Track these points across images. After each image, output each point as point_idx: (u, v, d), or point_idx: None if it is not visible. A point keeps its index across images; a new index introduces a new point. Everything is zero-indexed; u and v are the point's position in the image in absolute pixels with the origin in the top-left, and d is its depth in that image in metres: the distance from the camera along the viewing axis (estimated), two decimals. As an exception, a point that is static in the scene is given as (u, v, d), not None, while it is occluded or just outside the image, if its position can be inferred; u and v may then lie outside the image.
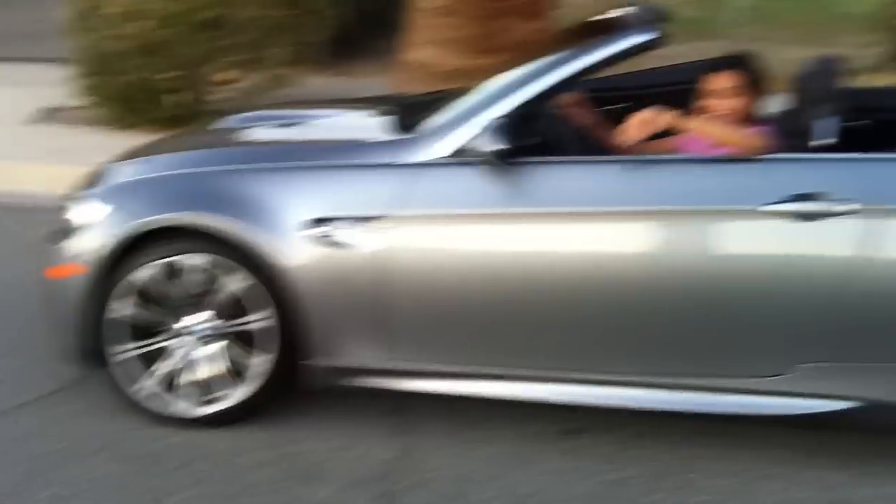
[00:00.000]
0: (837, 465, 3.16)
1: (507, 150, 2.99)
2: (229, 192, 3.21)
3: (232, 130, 3.93)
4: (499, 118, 3.07)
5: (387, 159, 3.18)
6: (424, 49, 6.70)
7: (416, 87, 5.88)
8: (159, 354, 3.29)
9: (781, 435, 3.29)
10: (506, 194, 3.08)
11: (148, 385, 3.31)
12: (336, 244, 3.10)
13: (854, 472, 3.12)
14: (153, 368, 3.29)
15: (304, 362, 3.23)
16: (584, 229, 3.09)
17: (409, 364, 3.25)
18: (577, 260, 3.09)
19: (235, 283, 3.17)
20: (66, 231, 3.34)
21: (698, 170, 3.08)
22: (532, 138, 3.08)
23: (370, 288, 3.13)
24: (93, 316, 3.25)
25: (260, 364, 3.24)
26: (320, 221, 3.11)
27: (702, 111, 3.38)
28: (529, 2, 6.56)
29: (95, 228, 3.25)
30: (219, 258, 3.18)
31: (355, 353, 3.23)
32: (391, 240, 3.08)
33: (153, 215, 3.20)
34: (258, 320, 3.20)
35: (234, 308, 3.21)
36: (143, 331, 3.26)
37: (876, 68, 9.33)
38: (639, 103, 3.27)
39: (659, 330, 3.11)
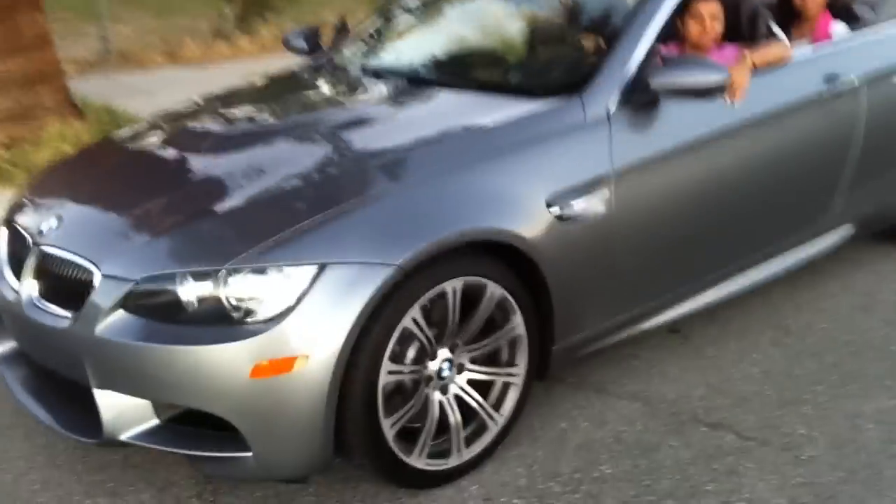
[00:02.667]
0: None
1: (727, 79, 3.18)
2: (479, 193, 2.84)
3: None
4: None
5: (574, 121, 3.09)
6: None
7: None
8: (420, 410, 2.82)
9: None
10: (696, 119, 3.31)
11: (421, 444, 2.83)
12: (571, 219, 2.96)
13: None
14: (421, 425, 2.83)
15: (553, 347, 3.08)
16: (767, 132, 3.55)
17: (626, 314, 3.28)
18: (761, 162, 3.54)
19: (495, 294, 2.85)
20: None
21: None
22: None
23: (602, 252, 3.10)
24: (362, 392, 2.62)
25: (519, 374, 2.99)
26: (553, 202, 2.93)
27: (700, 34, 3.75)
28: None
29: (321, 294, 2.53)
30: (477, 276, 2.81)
31: (588, 323, 3.15)
32: (613, 197, 3.06)
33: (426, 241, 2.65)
34: (515, 327, 2.94)
35: (490, 324, 2.90)
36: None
37: (219, 35, 9.86)
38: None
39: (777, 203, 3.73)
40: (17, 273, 2.99)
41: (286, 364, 2.50)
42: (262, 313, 2.52)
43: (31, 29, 5.71)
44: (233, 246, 2.62)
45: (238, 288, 2.54)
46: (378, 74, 3.75)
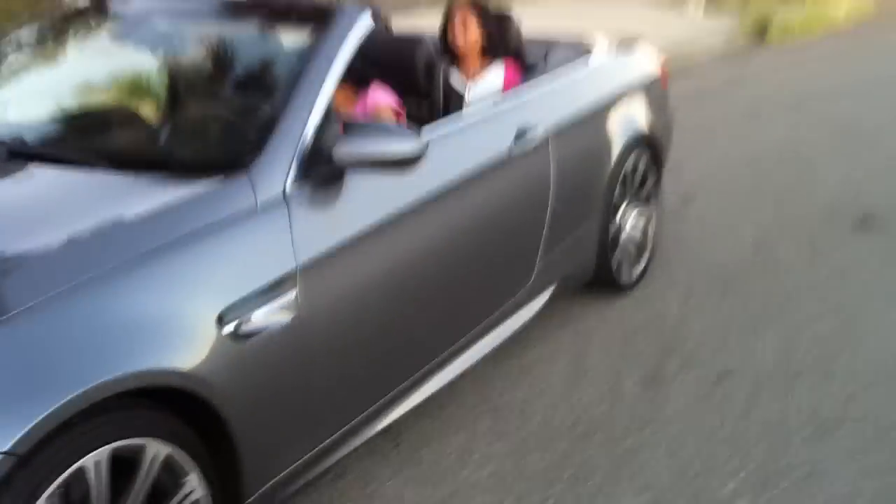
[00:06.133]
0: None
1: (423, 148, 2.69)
2: (118, 323, 2.08)
3: None
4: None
5: (243, 206, 2.42)
6: None
7: None
8: None
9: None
10: (389, 192, 2.81)
11: None
12: (251, 335, 2.33)
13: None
14: None
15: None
16: (465, 198, 3.11)
17: (335, 434, 2.71)
18: (464, 232, 3.11)
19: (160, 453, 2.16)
20: None
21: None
22: None
23: (295, 368, 2.50)
24: None
25: None
26: (226, 317, 2.27)
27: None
28: None
29: None
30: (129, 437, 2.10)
31: (287, 459, 2.55)
32: (301, 298, 2.45)
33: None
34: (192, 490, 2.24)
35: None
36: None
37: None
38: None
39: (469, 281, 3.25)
40: None
41: None
42: None
43: None
44: None
45: None
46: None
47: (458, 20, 4.16)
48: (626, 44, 4.72)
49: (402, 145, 2.62)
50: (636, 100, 4.38)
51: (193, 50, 3.28)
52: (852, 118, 8.08)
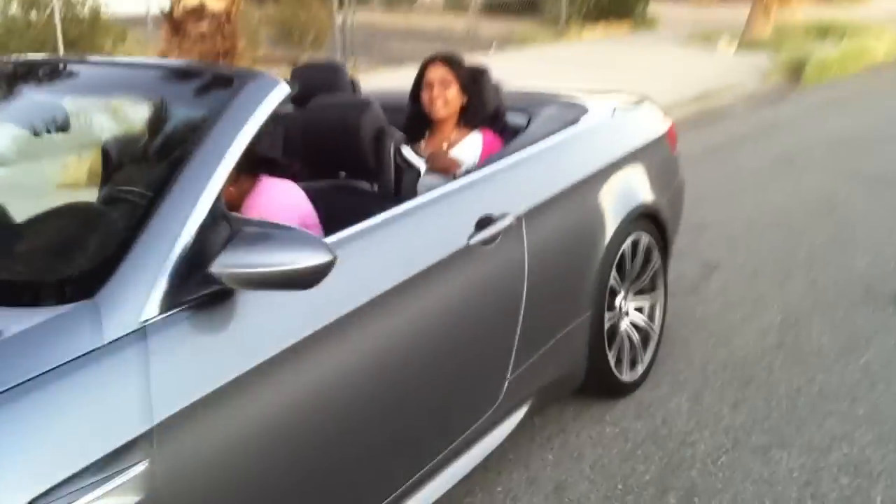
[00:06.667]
0: None
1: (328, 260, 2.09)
2: None
3: None
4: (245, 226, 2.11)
5: (80, 345, 1.84)
6: None
7: None
8: None
9: None
10: (295, 312, 2.22)
11: None
12: None
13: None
14: None
15: None
16: (405, 311, 2.50)
17: None
18: (398, 360, 2.48)
19: None
20: None
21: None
22: None
23: None
24: None
25: None
26: None
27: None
28: None
29: None
30: None
31: None
32: (159, 472, 1.85)
33: None
34: None
35: None
36: None
37: None
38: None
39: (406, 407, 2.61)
40: None
41: None
42: None
43: None
44: None
45: None
46: None
47: (436, 81, 3.59)
48: (627, 100, 4.13)
49: (300, 257, 2.03)
50: (637, 168, 3.76)
51: (45, 126, 2.73)
52: (892, 166, 7.39)
